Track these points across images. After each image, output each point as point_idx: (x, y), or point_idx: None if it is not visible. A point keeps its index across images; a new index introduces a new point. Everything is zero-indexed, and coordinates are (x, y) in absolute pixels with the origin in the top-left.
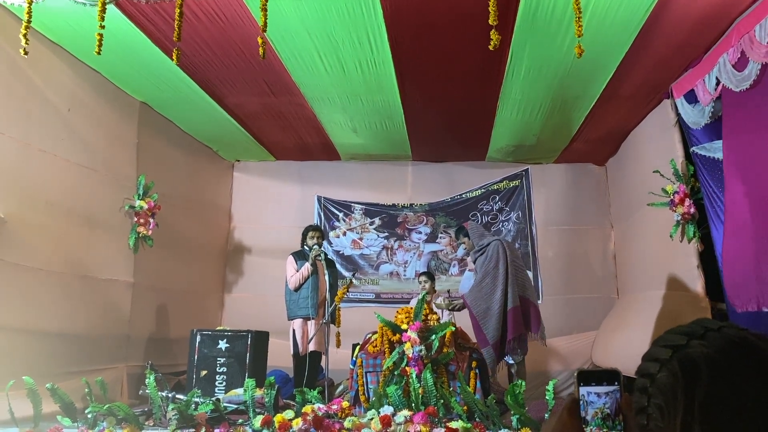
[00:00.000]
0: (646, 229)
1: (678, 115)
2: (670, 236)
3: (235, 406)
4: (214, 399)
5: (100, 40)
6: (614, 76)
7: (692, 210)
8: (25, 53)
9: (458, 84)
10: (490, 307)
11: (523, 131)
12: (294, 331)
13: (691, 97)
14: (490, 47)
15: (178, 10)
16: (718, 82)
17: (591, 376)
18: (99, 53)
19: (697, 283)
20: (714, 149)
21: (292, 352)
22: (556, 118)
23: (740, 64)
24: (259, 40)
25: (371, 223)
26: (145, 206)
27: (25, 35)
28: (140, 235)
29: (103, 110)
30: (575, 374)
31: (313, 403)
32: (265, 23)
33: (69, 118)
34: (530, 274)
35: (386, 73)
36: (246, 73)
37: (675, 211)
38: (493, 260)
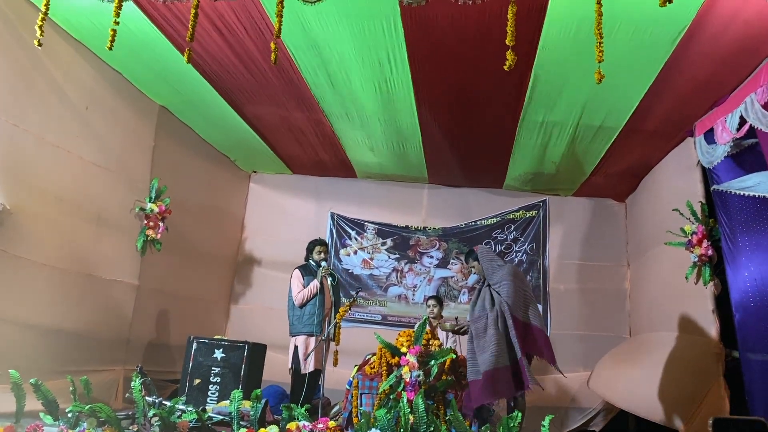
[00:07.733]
0: (662, 268)
1: None
2: (686, 278)
3: (222, 417)
4: (198, 409)
5: (113, 36)
6: (638, 109)
7: (710, 252)
8: (39, 44)
9: (478, 108)
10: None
11: (543, 158)
12: (297, 347)
13: (710, 137)
14: (505, 67)
15: (193, 11)
16: (742, 122)
17: (730, 425)
18: (111, 48)
19: (711, 327)
20: (733, 185)
21: (291, 367)
22: (577, 148)
23: None
24: (272, 46)
25: (383, 244)
26: (156, 209)
27: (41, 26)
28: (149, 237)
29: (121, 110)
30: (710, 421)
31: (299, 420)
32: (279, 29)
33: (86, 116)
34: (540, 307)
35: (405, 95)
36: (266, 84)
37: (692, 252)
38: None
